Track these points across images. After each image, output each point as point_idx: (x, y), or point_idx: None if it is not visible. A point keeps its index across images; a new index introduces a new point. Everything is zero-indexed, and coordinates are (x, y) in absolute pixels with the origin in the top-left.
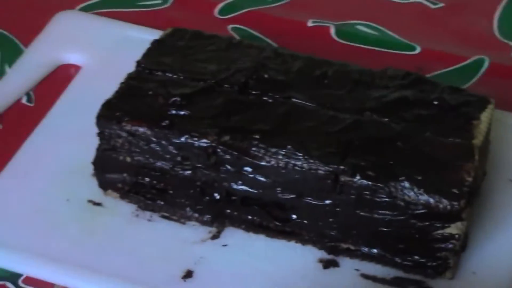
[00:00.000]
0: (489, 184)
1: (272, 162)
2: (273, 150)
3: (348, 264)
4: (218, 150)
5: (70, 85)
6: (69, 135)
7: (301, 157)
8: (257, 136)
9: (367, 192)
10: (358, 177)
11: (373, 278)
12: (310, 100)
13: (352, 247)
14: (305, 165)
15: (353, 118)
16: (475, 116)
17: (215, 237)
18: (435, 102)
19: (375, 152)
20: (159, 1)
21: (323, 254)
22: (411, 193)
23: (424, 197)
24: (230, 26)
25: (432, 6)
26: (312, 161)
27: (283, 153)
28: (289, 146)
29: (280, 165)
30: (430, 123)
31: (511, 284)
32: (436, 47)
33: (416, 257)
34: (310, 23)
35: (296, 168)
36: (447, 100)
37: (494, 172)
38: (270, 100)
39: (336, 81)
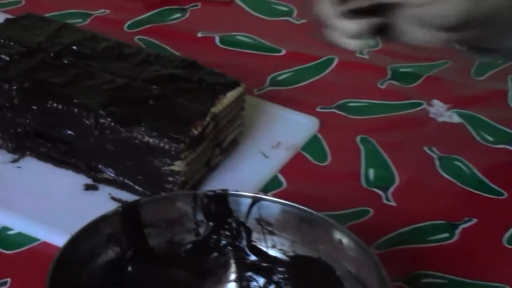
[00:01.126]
0: (243, 152)
1: (55, 105)
2: (59, 97)
3: (105, 190)
4: (20, 94)
5: None
6: None
7: (74, 103)
8: (48, 86)
9: (119, 133)
10: (110, 121)
11: (119, 201)
12: (100, 68)
13: (109, 177)
14: (76, 109)
15: (125, 82)
16: (221, 92)
17: (14, 161)
18: (195, 80)
19: (131, 106)
20: (80, 20)
21: (89, 181)
22: (147, 136)
23: (156, 140)
24: (136, 37)
25: (296, 22)
26: (81, 106)
27: (63, 99)
28: (67, 95)
29: (60, 107)
30: (185, 93)
31: None
32: (297, 50)
33: (152, 187)
34: (199, 34)
35: (71, 111)
36: (206, 79)
37: (250, 143)
38: (71, 65)
39: (128, 58)
